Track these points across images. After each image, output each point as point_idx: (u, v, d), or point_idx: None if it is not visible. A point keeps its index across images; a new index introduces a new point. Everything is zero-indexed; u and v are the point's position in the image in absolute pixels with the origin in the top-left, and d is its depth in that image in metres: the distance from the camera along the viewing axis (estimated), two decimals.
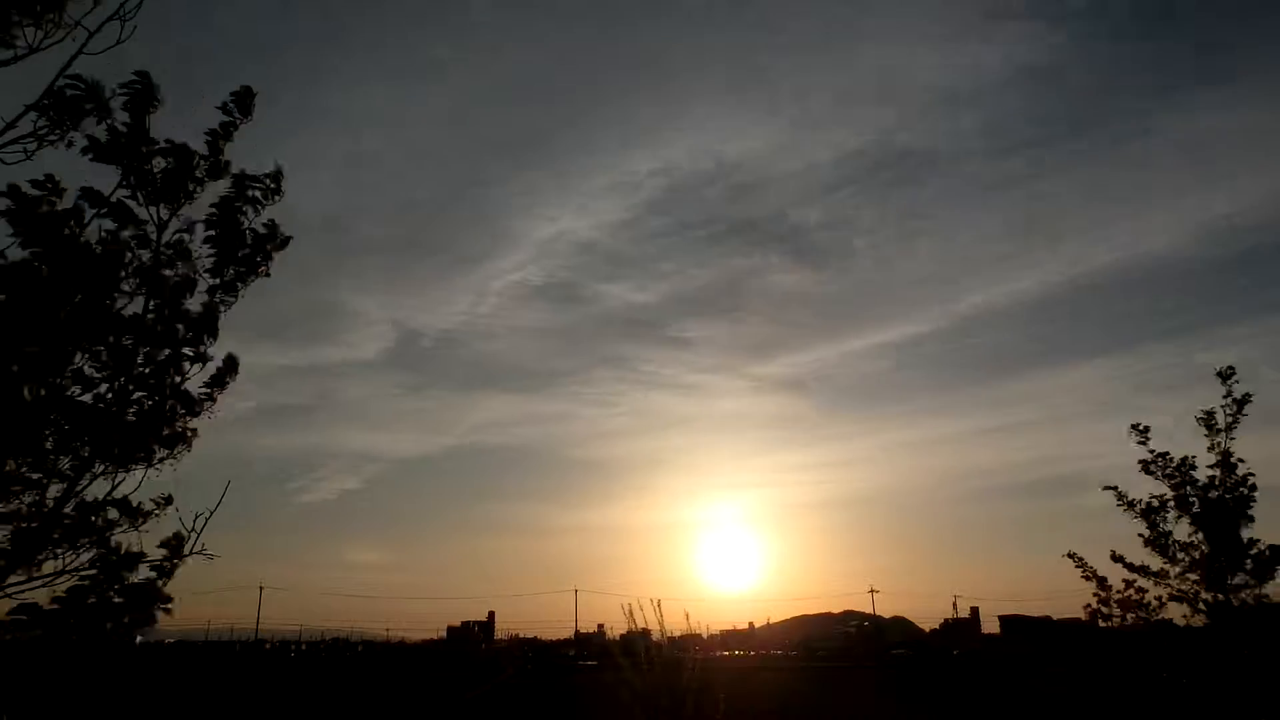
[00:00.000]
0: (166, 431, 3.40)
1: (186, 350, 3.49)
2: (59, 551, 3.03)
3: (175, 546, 3.31)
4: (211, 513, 3.50)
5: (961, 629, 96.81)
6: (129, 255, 3.33)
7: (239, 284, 3.68)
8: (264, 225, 3.72)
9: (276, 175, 3.73)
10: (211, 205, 3.55)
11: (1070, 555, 9.27)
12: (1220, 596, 8.21)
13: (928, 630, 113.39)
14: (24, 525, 2.98)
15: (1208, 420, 8.72)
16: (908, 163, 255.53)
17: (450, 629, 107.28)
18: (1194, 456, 8.70)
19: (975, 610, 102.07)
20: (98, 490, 3.26)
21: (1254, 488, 8.35)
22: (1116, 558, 9.00)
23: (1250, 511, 8.26)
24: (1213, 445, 8.64)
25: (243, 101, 3.66)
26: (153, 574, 3.22)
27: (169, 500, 3.41)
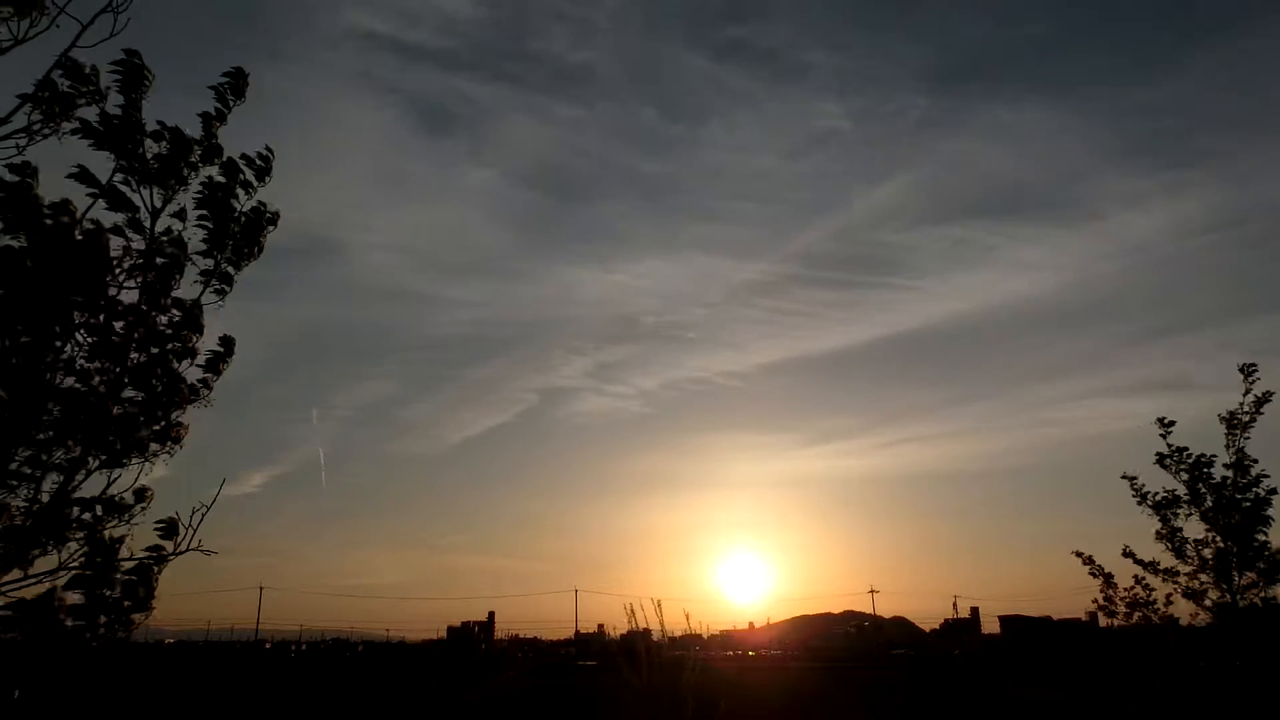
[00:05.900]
0: (158, 425, 3.33)
1: (172, 345, 3.39)
2: (50, 548, 2.96)
3: (167, 530, 3.22)
4: (208, 508, 3.41)
5: (961, 629, 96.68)
6: (123, 242, 3.26)
7: (232, 269, 3.60)
8: (252, 210, 3.65)
9: (266, 157, 3.68)
10: (201, 185, 3.46)
11: (1078, 554, 9.20)
12: (1228, 596, 8.15)
13: (928, 630, 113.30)
14: (17, 523, 2.92)
15: (1230, 420, 8.66)
16: None
17: (450, 629, 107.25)
18: (1212, 455, 8.65)
19: (975, 610, 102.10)
20: (93, 486, 3.19)
21: (1273, 490, 8.26)
22: (1127, 553, 8.95)
23: (1267, 513, 8.18)
24: (1229, 444, 8.59)
25: (236, 83, 3.60)
26: (145, 555, 3.13)
27: (143, 492, 3.28)
